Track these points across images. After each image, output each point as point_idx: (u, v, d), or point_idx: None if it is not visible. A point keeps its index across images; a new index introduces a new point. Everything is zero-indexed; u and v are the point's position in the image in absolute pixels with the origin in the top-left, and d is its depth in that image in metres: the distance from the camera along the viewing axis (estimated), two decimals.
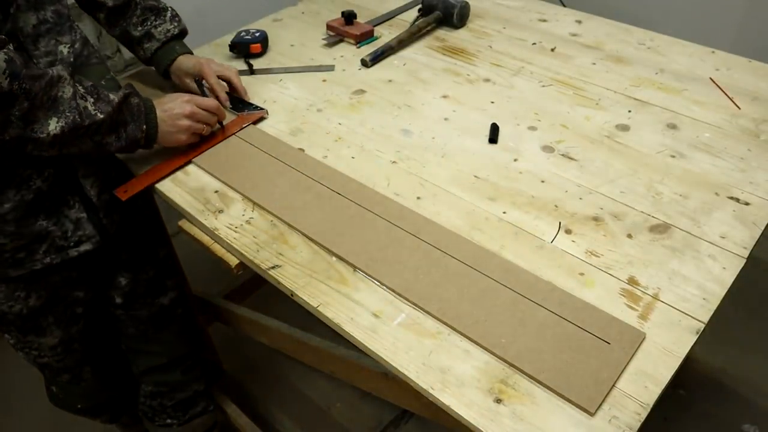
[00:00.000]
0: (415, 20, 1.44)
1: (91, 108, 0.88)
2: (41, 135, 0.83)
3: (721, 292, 0.79)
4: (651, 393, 0.67)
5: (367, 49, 1.34)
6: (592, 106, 1.14)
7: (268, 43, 1.38)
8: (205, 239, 0.95)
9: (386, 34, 1.40)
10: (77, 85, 0.88)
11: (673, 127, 1.08)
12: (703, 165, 0.99)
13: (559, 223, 0.90)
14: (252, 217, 0.95)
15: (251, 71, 1.31)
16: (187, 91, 1.15)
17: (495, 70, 1.26)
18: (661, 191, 0.95)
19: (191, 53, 1.19)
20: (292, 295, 0.82)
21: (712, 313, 0.76)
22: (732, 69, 1.22)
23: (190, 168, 1.06)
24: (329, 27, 1.41)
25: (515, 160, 1.02)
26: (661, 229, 0.88)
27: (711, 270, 0.82)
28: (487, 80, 1.23)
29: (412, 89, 1.22)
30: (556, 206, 0.93)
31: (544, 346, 0.72)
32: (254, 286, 1.64)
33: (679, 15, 2.11)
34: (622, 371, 0.69)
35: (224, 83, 1.19)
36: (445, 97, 1.19)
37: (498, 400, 0.68)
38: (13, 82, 0.78)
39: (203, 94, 1.07)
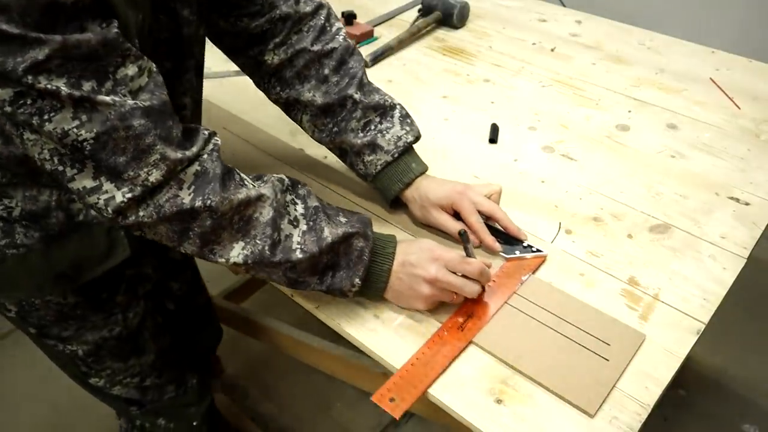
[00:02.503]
0: (415, 20, 1.44)
1: (293, 240, 0.70)
2: (219, 260, 0.68)
3: (722, 292, 0.79)
4: (652, 393, 0.67)
5: (367, 50, 1.34)
6: (592, 106, 1.14)
7: None
8: None
9: (386, 35, 1.40)
10: (291, 206, 0.72)
11: (673, 127, 1.08)
12: (703, 165, 0.99)
13: (559, 223, 0.90)
14: None
15: None
16: (431, 226, 0.88)
17: (495, 71, 1.26)
18: (661, 191, 0.95)
19: (427, 169, 0.89)
20: (292, 295, 0.82)
21: (712, 313, 0.76)
22: (732, 69, 1.22)
23: None
24: None
25: (515, 160, 1.02)
26: (661, 229, 0.88)
27: (711, 270, 0.82)
28: (487, 80, 1.23)
29: (411, 89, 1.22)
30: (556, 206, 0.93)
31: (544, 347, 0.72)
32: (254, 286, 1.64)
33: (679, 15, 2.11)
34: (623, 372, 0.69)
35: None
36: (444, 97, 1.19)
37: (498, 401, 0.68)
38: (196, 198, 0.64)
39: (467, 252, 0.76)
